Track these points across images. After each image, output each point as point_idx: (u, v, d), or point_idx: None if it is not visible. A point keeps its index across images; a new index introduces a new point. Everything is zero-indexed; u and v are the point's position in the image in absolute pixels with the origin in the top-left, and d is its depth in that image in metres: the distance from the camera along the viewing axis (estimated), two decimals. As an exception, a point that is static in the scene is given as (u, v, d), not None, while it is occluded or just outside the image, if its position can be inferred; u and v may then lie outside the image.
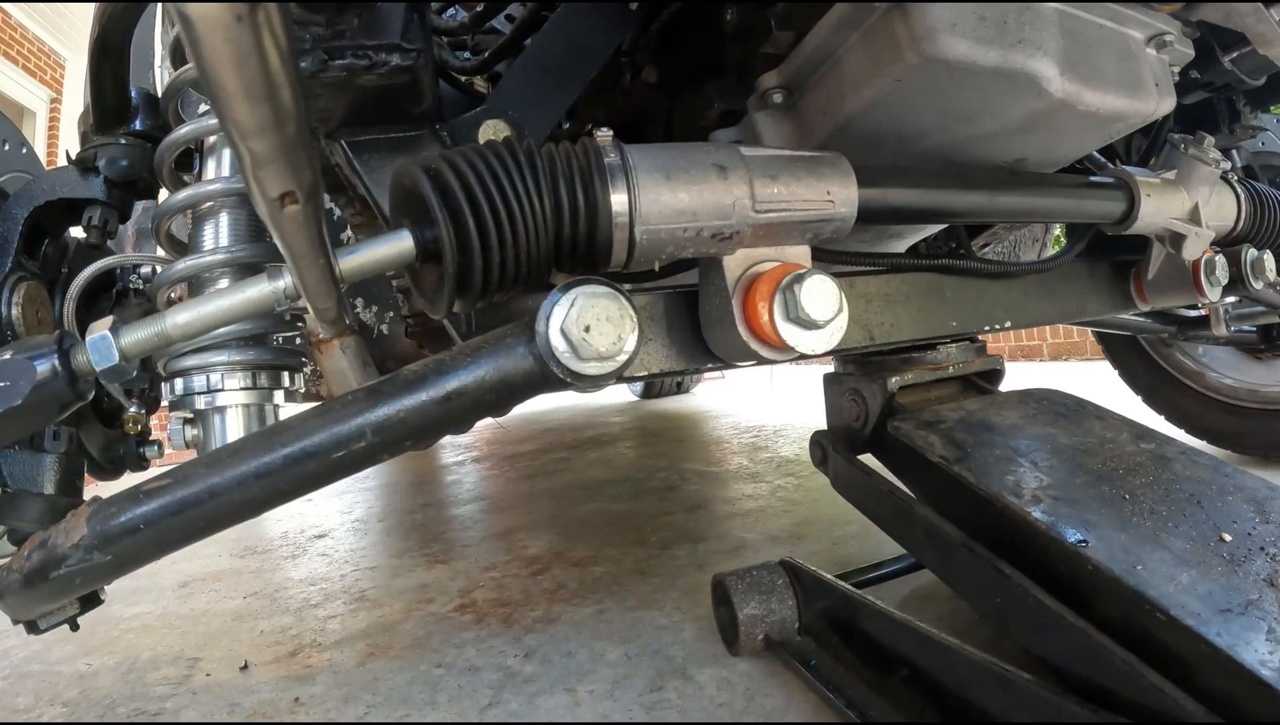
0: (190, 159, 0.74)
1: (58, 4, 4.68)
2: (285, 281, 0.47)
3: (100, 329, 0.48)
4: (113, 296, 0.85)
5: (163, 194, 0.79)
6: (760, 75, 0.70)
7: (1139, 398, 1.44)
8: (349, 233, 0.89)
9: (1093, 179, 0.76)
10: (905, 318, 0.72)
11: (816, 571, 0.80)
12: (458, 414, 0.50)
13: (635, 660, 0.88)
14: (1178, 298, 0.84)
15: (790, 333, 0.57)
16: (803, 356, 0.59)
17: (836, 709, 0.71)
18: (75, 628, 0.74)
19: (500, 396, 0.50)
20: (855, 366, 0.79)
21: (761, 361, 0.61)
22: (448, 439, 3.33)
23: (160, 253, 0.77)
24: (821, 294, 0.56)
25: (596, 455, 2.15)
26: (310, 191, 0.34)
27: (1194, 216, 0.79)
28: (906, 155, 0.70)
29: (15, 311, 0.70)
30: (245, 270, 0.66)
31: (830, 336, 0.58)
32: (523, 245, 0.49)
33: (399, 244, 0.49)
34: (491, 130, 0.65)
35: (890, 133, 0.67)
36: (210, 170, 0.69)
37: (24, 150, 0.82)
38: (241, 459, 0.49)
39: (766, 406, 3.01)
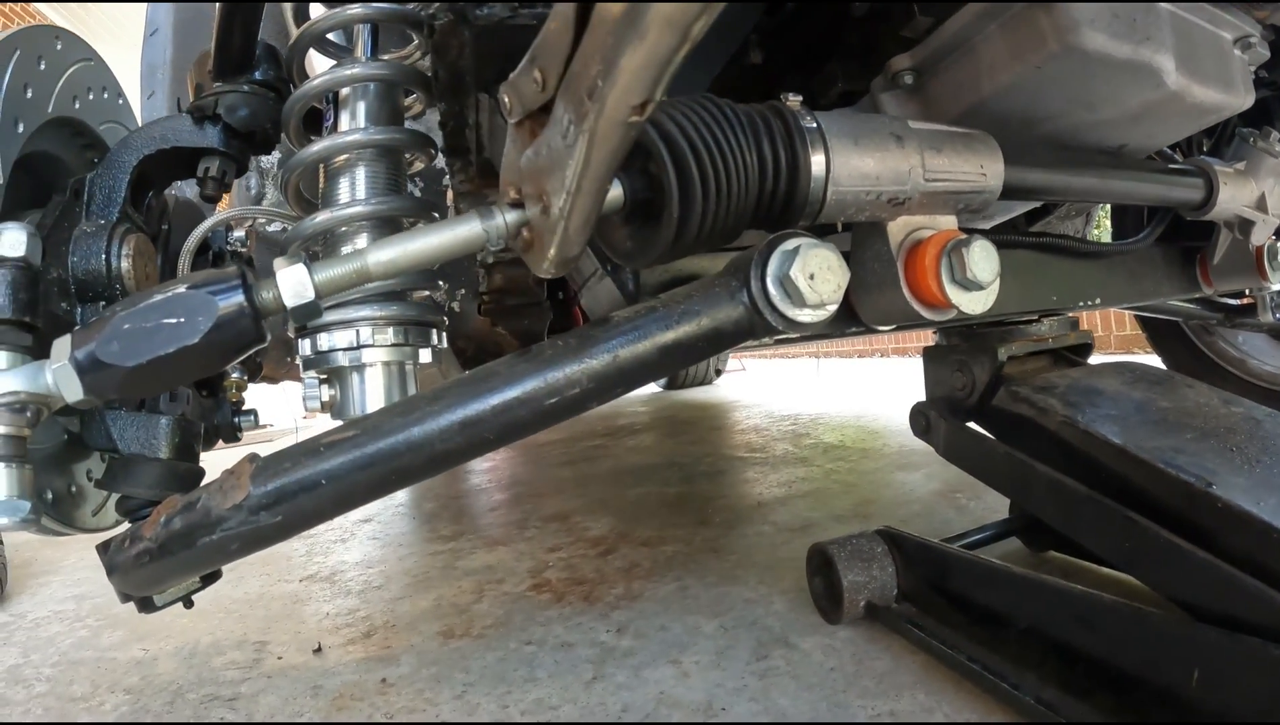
0: (314, 116, 0.73)
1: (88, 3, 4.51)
2: (499, 221, 0.47)
3: (288, 264, 0.47)
4: (209, 259, 0.82)
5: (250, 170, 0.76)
6: (891, 57, 0.73)
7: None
8: (450, 202, 0.88)
9: (1176, 166, 0.82)
10: (1013, 291, 0.76)
11: (921, 538, 0.83)
12: (668, 361, 0.50)
13: (733, 632, 0.90)
14: (1240, 282, 0.91)
15: (955, 293, 0.60)
16: (952, 321, 0.62)
17: (950, 667, 0.74)
18: (190, 605, 0.71)
19: (710, 345, 0.51)
20: (960, 339, 0.83)
21: (915, 324, 0.64)
22: None
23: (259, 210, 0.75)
24: (986, 257, 0.59)
25: (634, 442, 2.14)
26: (649, 107, 0.35)
27: (1261, 204, 0.86)
28: (1026, 139, 0.75)
29: (125, 264, 0.67)
30: (385, 225, 0.64)
31: (988, 298, 0.61)
32: (734, 196, 0.51)
33: (611, 192, 0.50)
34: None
35: (1018, 116, 0.71)
36: (344, 123, 0.67)
37: (120, 101, 0.79)
38: (445, 406, 0.47)
39: (797, 396, 3.05)
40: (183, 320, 0.45)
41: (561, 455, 2.16)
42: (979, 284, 0.59)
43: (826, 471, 1.49)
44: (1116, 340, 4.41)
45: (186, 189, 0.88)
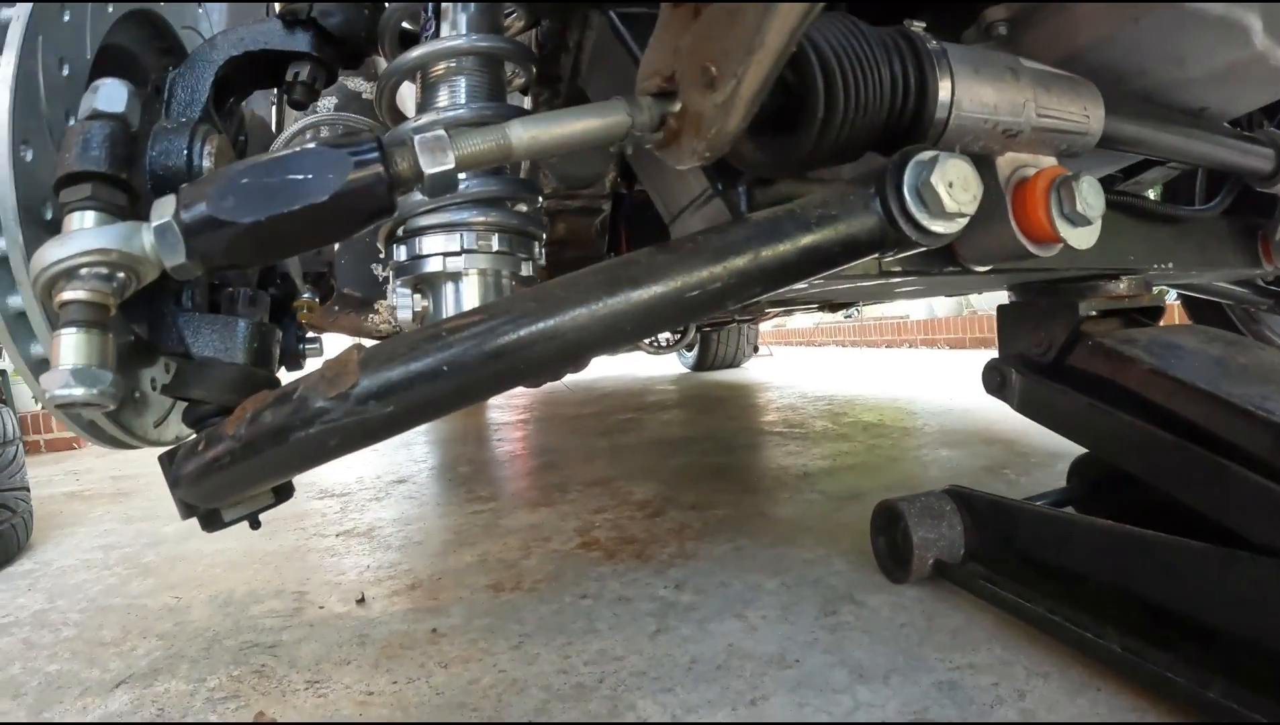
0: (407, 39, 0.72)
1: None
2: (643, 116, 0.47)
3: (432, 130, 0.45)
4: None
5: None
6: (987, 7, 0.74)
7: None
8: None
9: (1249, 135, 0.84)
10: (1096, 247, 0.77)
11: (992, 494, 0.82)
12: (806, 264, 0.50)
13: (795, 589, 0.89)
14: (1303, 258, 0.93)
15: (1064, 227, 0.60)
16: (1043, 270, 0.62)
17: (1027, 621, 0.73)
18: (257, 525, 0.69)
19: (845, 252, 0.51)
20: (1037, 296, 0.84)
21: (1016, 257, 0.64)
22: (506, 402, 3.23)
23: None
24: (1095, 192, 0.60)
25: (668, 417, 2.14)
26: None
27: (1327, 180, 0.87)
28: (1115, 93, 0.76)
29: (208, 162, 0.64)
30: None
31: (1093, 234, 0.62)
32: (869, 108, 0.51)
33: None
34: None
35: (1110, 70, 0.72)
36: (445, 30, 0.66)
37: (200, 9, 0.78)
38: (579, 295, 0.45)
39: (828, 379, 3.04)
40: (311, 177, 0.42)
41: (594, 427, 2.15)
42: (1087, 219, 0.60)
43: (869, 447, 1.49)
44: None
45: (257, 107, 0.87)
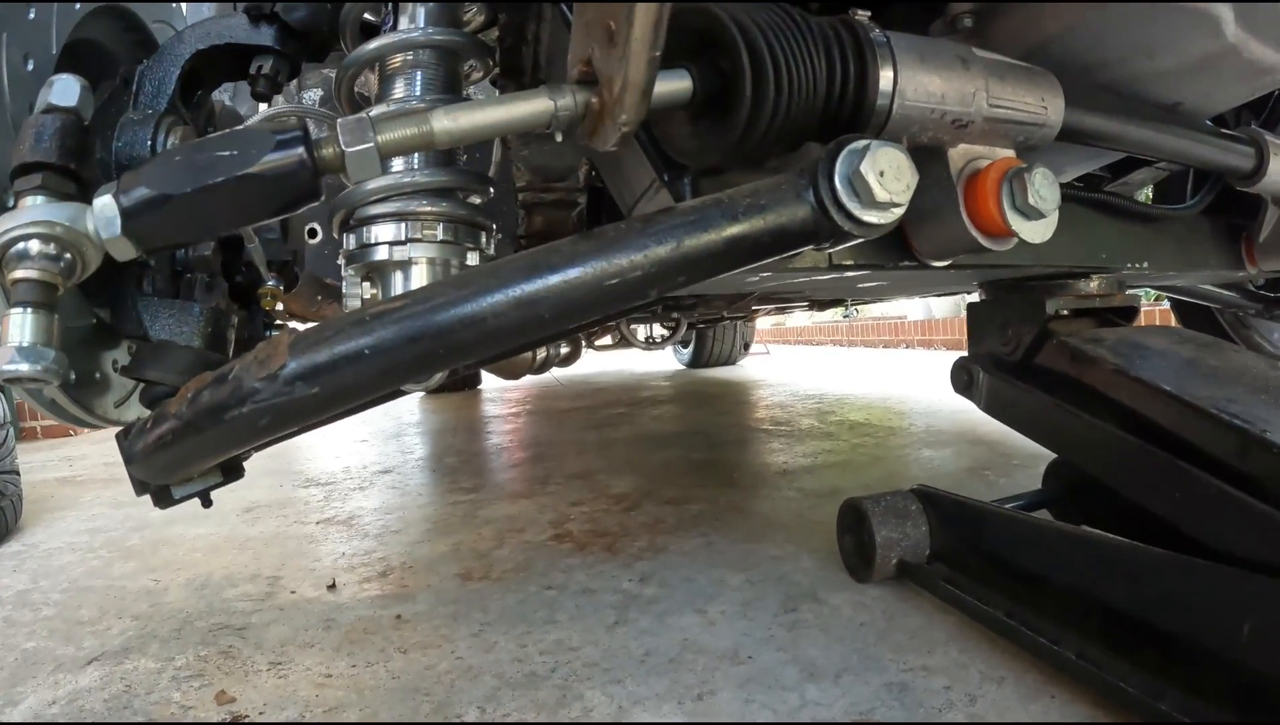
0: (369, 30, 0.73)
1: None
2: (566, 100, 0.47)
3: (353, 115, 0.46)
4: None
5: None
6: (951, 1, 0.73)
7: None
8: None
9: (1228, 132, 0.82)
10: (1064, 244, 0.76)
11: (957, 495, 0.81)
12: (732, 254, 0.49)
13: (759, 585, 0.88)
14: (1288, 259, 0.90)
15: (1016, 220, 0.59)
16: (1004, 265, 0.61)
17: (986, 624, 0.72)
18: (208, 503, 0.70)
19: (775, 242, 0.50)
20: (1007, 293, 0.82)
21: (970, 251, 0.63)
22: (500, 393, 3.26)
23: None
24: (1048, 184, 0.59)
25: (659, 412, 2.15)
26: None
27: (1313, 179, 0.85)
28: (1083, 86, 0.74)
29: None
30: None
31: (1048, 227, 0.60)
32: (804, 95, 0.51)
33: (678, 82, 0.50)
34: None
35: (1078, 60, 0.71)
36: (404, 24, 0.67)
37: (174, 5, 0.79)
38: (499, 281, 0.45)
39: (821, 378, 3.04)
40: (237, 153, 0.44)
41: (584, 421, 2.17)
42: (1040, 212, 0.59)
43: (853, 446, 1.48)
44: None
45: (226, 100, 0.88)
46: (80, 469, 2.13)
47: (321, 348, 0.46)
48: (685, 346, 3.70)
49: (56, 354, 0.49)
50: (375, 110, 0.61)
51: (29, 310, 0.49)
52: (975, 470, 1.27)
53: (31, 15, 0.58)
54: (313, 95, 1.19)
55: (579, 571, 0.96)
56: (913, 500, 0.84)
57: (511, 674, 0.72)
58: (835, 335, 7.15)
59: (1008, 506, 0.92)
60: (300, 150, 0.44)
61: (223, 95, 0.81)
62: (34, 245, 0.49)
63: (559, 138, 0.49)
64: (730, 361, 3.86)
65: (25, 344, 0.49)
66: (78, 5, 0.63)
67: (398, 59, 0.64)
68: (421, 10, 0.66)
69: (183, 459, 0.54)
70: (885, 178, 0.49)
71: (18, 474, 1.34)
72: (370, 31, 0.72)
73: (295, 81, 0.97)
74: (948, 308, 5.67)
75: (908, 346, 5.69)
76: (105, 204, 0.47)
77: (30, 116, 0.54)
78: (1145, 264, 0.81)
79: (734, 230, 0.49)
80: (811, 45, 0.51)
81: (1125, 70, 0.71)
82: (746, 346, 3.88)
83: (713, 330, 3.51)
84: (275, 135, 0.44)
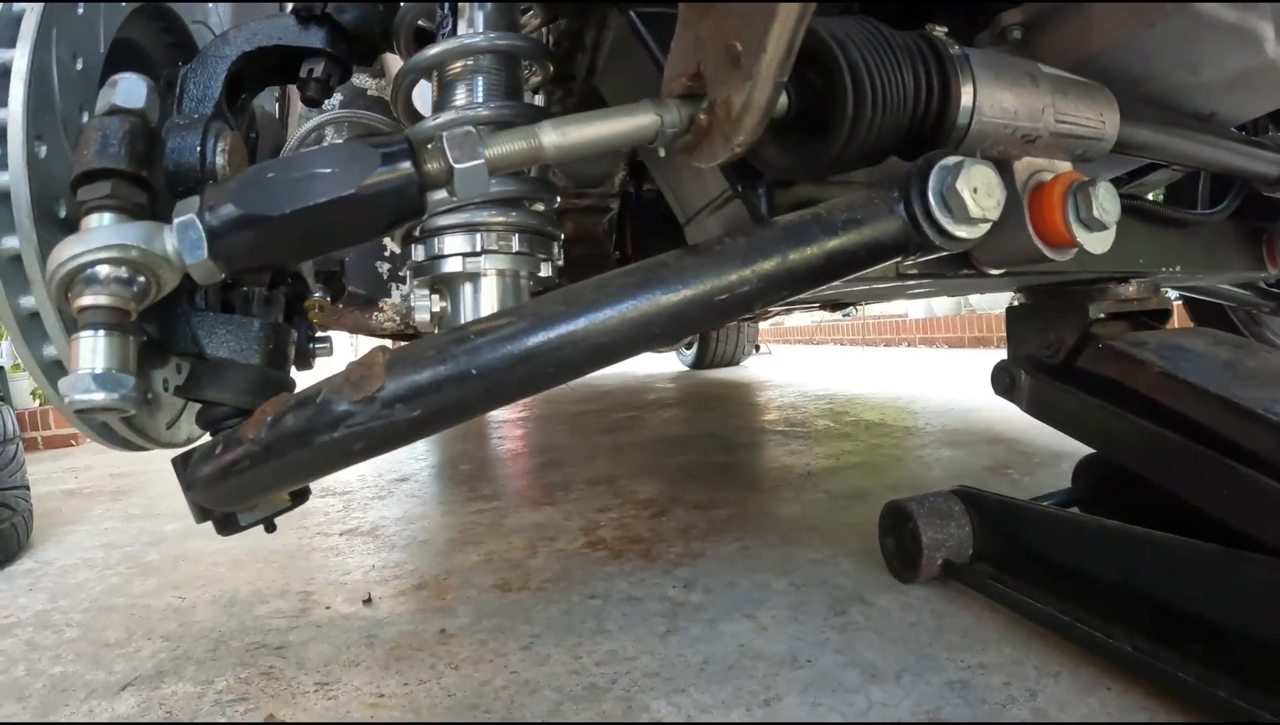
0: (423, 37, 0.71)
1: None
2: (671, 115, 0.46)
3: (459, 126, 0.45)
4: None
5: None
6: (1000, 11, 0.74)
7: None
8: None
9: (1257, 139, 0.85)
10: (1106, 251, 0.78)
11: (1000, 495, 0.83)
12: (830, 268, 0.50)
13: (804, 589, 0.89)
14: (1306, 262, 0.94)
15: (1080, 232, 0.61)
16: (1054, 273, 0.62)
17: (1036, 621, 0.74)
18: (272, 528, 0.68)
19: (868, 256, 0.51)
20: (1047, 298, 0.84)
21: (1031, 262, 0.64)
22: None
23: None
24: (1110, 198, 0.60)
25: (669, 415, 2.14)
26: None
27: (1332, 185, 0.88)
28: (1126, 99, 0.76)
29: (221, 160, 0.63)
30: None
31: (1108, 238, 0.62)
32: (894, 110, 0.51)
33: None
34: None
35: (1123, 74, 0.72)
36: (463, 27, 0.65)
37: (210, 5, 0.76)
38: (608, 297, 0.44)
39: (828, 378, 3.05)
40: (338, 170, 0.42)
41: (595, 425, 2.16)
42: (1103, 224, 0.60)
43: (872, 446, 1.50)
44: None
45: (266, 104, 0.86)
46: (86, 481, 2.06)
47: (423, 368, 0.45)
48: (689, 347, 3.70)
49: (136, 381, 0.47)
50: (438, 119, 0.60)
51: (101, 332, 0.47)
52: (997, 469, 1.30)
53: (80, 11, 0.55)
54: (333, 99, 1.16)
55: (619, 579, 0.95)
56: (955, 501, 0.86)
57: (571, 687, 0.71)
58: (836, 334, 7.19)
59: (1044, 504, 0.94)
60: (408, 166, 0.42)
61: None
62: (104, 269, 0.45)
63: (661, 153, 0.48)
64: (734, 362, 3.87)
65: (99, 371, 0.46)
66: (123, 3, 0.61)
67: (458, 65, 0.63)
68: (481, 13, 0.65)
69: (258, 486, 0.52)
70: (979, 194, 0.49)
71: (27, 488, 1.29)
72: (422, 37, 0.70)
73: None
74: (949, 306, 5.75)
75: (909, 345, 5.76)
76: (189, 224, 0.45)
77: (92, 119, 0.51)
78: (1178, 267, 0.83)
79: (834, 244, 0.49)
80: (901, 62, 0.51)
81: (1168, 83, 0.73)
82: (756, 348, 3.89)
83: (717, 331, 3.53)
84: (380, 150, 0.42)
